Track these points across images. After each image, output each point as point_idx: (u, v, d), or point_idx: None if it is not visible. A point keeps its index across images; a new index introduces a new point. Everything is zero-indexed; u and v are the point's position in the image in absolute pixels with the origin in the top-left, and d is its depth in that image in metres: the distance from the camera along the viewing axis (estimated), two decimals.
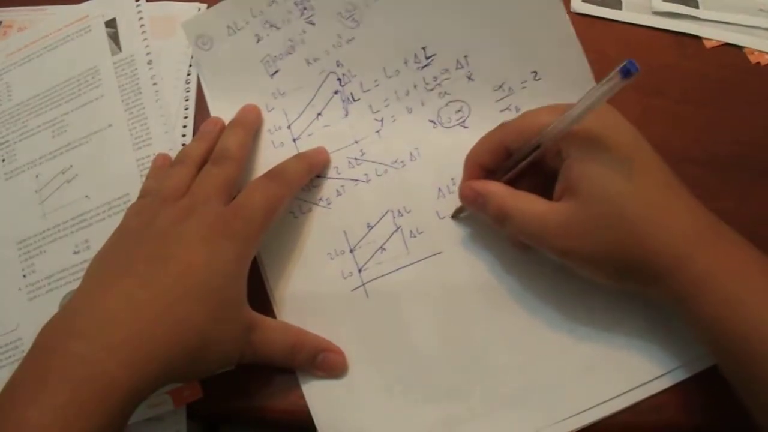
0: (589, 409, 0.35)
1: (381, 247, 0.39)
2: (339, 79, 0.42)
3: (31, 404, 0.28)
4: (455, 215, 0.39)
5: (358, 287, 0.39)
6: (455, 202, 0.39)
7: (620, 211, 0.31)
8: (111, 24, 0.47)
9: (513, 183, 0.35)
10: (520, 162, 0.34)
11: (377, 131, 0.41)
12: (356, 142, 0.41)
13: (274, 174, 0.38)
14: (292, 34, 0.42)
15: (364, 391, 0.37)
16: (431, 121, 0.41)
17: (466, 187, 0.36)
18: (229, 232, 0.35)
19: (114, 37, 0.47)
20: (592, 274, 0.33)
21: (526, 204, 0.33)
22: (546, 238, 0.33)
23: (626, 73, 0.27)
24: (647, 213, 0.31)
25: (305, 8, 0.41)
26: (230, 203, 0.36)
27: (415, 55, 0.41)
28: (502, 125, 0.36)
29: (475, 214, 0.38)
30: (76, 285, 0.35)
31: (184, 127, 0.44)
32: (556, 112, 0.32)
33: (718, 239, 0.31)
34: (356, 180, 0.41)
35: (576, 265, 0.33)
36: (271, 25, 0.42)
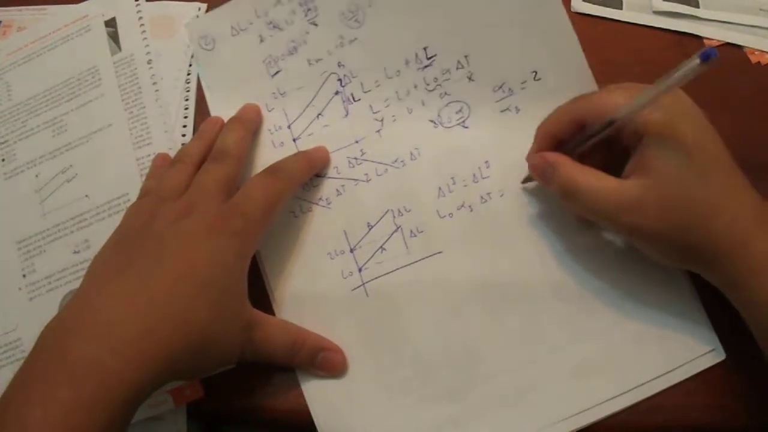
0: (590, 408, 0.35)
1: (381, 246, 0.39)
2: (340, 80, 0.42)
3: (34, 404, 0.28)
4: (524, 181, 0.39)
5: (358, 287, 0.39)
6: (455, 202, 0.39)
7: (690, 194, 0.32)
8: (111, 23, 0.47)
9: (580, 158, 0.35)
10: (593, 137, 0.34)
11: (377, 131, 0.41)
12: (356, 141, 0.41)
13: (273, 170, 0.38)
14: (295, 34, 0.42)
15: (363, 391, 0.37)
16: (431, 121, 0.41)
17: (537, 157, 0.36)
18: (229, 229, 0.34)
19: (114, 37, 0.47)
20: (654, 252, 0.34)
21: (595, 180, 0.34)
22: (614, 214, 0.33)
23: (706, 57, 0.28)
24: (714, 197, 0.32)
25: (309, 9, 0.41)
26: (229, 200, 0.36)
27: (416, 56, 0.40)
28: (579, 98, 0.36)
29: (541, 184, 0.37)
30: (76, 285, 0.35)
31: (184, 126, 0.44)
32: (635, 91, 0.33)
33: None
34: (356, 180, 0.41)
35: (641, 242, 0.34)
36: (275, 26, 0.42)
